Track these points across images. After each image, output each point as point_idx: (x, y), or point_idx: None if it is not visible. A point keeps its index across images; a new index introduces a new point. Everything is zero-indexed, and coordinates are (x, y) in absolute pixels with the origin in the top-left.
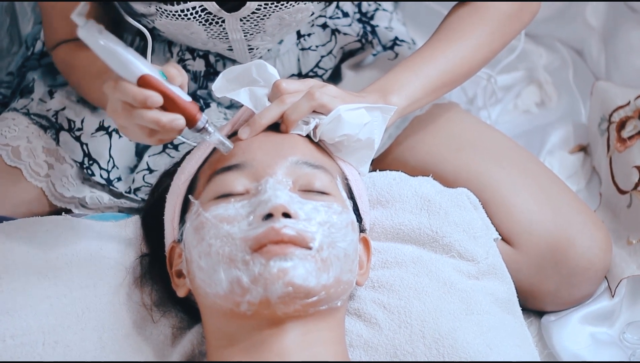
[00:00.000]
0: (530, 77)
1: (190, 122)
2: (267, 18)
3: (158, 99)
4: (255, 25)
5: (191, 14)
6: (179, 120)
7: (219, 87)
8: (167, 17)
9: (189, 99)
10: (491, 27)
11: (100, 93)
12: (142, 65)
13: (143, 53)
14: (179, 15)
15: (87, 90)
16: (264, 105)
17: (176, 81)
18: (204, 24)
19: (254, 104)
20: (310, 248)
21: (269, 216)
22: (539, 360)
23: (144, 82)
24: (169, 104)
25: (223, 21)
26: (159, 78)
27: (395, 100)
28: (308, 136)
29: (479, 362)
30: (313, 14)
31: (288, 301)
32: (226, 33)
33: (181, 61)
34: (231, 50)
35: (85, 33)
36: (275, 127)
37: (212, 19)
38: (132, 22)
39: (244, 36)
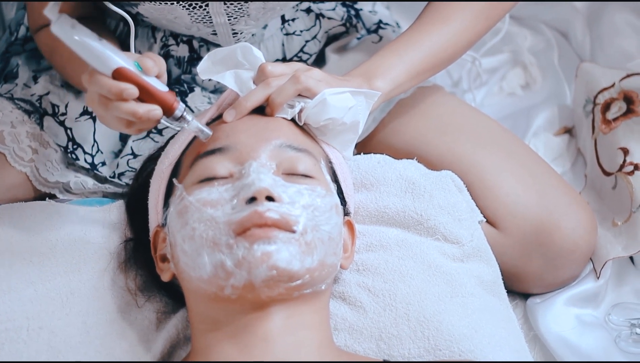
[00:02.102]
0: (515, 59)
1: (168, 111)
2: (251, 1)
3: (133, 91)
4: (239, 9)
5: None
6: (155, 110)
7: (204, 68)
8: (151, 1)
9: (165, 88)
10: (475, 10)
11: None
12: (116, 58)
13: (127, 38)
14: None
15: (71, 74)
16: (249, 89)
17: (152, 72)
18: (187, 8)
19: (239, 86)
20: (294, 231)
21: (252, 199)
22: (524, 342)
23: (119, 74)
24: (145, 95)
25: (207, 5)
26: (134, 70)
27: (380, 84)
28: (292, 119)
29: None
30: None
31: (272, 285)
32: (210, 17)
33: (165, 46)
34: (215, 34)
35: (58, 28)
36: (260, 111)
37: (196, 3)
38: (114, 8)
39: (228, 20)
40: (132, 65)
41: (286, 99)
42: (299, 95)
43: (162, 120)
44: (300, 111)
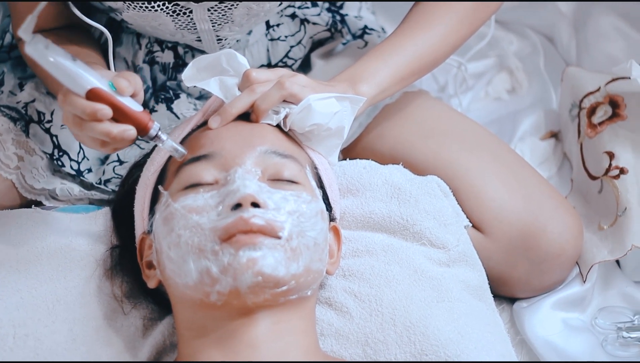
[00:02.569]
0: (501, 64)
1: (142, 131)
2: (235, 8)
3: (107, 112)
4: (223, 15)
5: (158, 5)
6: (129, 130)
7: (189, 76)
8: (135, 9)
9: (140, 108)
10: (459, 14)
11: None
12: (90, 78)
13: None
14: (146, 6)
15: (52, 87)
16: (234, 95)
17: (126, 92)
18: (171, 15)
19: (223, 93)
20: (279, 237)
21: (237, 206)
22: (510, 346)
23: (93, 95)
24: (120, 115)
25: (191, 11)
26: (108, 90)
27: (365, 89)
28: (278, 126)
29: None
30: (281, 3)
31: (258, 291)
32: (194, 23)
33: (150, 53)
34: (200, 41)
35: (32, 49)
36: (245, 117)
37: (180, 10)
38: (90, 22)
39: (212, 26)
40: (106, 85)
41: (271, 105)
42: (284, 101)
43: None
44: (285, 117)
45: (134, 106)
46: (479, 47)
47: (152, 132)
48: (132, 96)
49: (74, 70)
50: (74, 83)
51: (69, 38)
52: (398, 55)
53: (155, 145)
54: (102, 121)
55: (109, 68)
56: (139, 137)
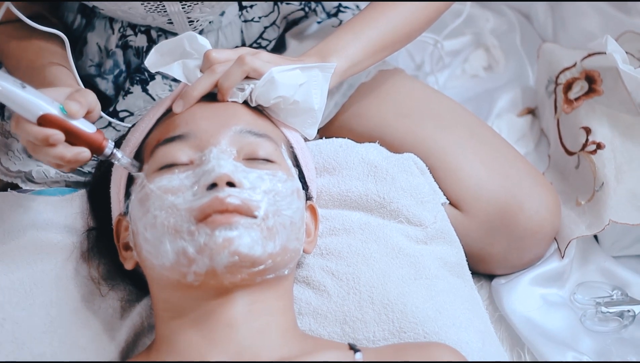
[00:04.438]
0: (478, 41)
1: (97, 151)
2: None
3: (59, 137)
4: None
5: None
6: (83, 153)
7: (153, 62)
8: None
9: (93, 129)
10: None
11: (35, 83)
12: (42, 103)
13: (84, 32)
14: None
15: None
16: (196, 77)
17: (77, 116)
18: None
19: (186, 76)
20: (255, 216)
21: (213, 186)
22: (489, 322)
23: (44, 120)
24: (73, 138)
25: None
26: (58, 115)
27: (335, 62)
28: (252, 106)
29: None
30: None
31: (234, 270)
32: (164, 6)
33: (123, 37)
34: (171, 23)
35: None
36: (216, 98)
37: None
38: (43, 28)
39: (182, 8)
40: (57, 109)
41: (234, 82)
42: (249, 77)
43: (94, 159)
44: (251, 93)
45: (87, 128)
46: (455, 24)
47: (107, 151)
48: (87, 114)
49: (24, 97)
50: (25, 110)
51: (34, 31)
52: (370, 28)
53: (131, 128)
54: (55, 145)
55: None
56: (95, 157)
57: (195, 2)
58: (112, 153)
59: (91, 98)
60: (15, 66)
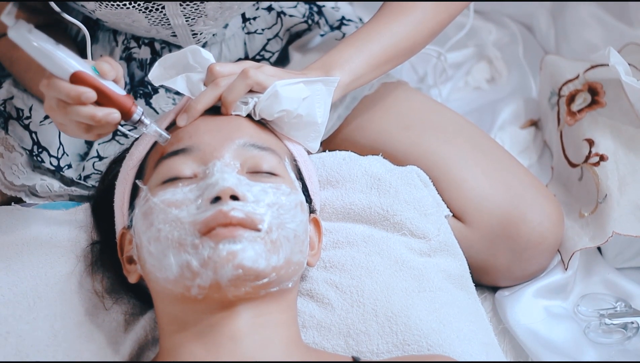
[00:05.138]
0: (480, 53)
1: (126, 115)
2: (207, 1)
3: (92, 95)
4: (195, 10)
5: (130, 2)
6: (113, 113)
7: (156, 75)
8: (107, 7)
9: (123, 92)
10: (435, 0)
11: None
12: (74, 62)
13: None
14: (118, 4)
15: (30, 84)
16: (200, 91)
17: (109, 76)
18: (144, 12)
19: (190, 90)
20: (259, 230)
21: (217, 199)
22: (493, 335)
23: (76, 78)
24: (104, 99)
25: (163, 7)
26: (91, 74)
27: (338, 75)
28: (255, 119)
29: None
30: None
31: (238, 284)
32: (167, 19)
33: (127, 49)
34: (175, 36)
35: (15, 33)
36: (219, 111)
37: (152, 6)
38: (69, 18)
39: (186, 21)
40: (89, 69)
41: (238, 96)
42: (252, 91)
43: (122, 125)
44: (255, 107)
45: (118, 90)
46: (458, 37)
47: (136, 116)
48: (115, 81)
49: (58, 55)
50: (58, 67)
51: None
52: (372, 42)
53: (134, 141)
54: (86, 104)
55: None
56: (123, 122)
57: (199, 16)
58: (140, 119)
59: (119, 67)
60: (25, 69)
